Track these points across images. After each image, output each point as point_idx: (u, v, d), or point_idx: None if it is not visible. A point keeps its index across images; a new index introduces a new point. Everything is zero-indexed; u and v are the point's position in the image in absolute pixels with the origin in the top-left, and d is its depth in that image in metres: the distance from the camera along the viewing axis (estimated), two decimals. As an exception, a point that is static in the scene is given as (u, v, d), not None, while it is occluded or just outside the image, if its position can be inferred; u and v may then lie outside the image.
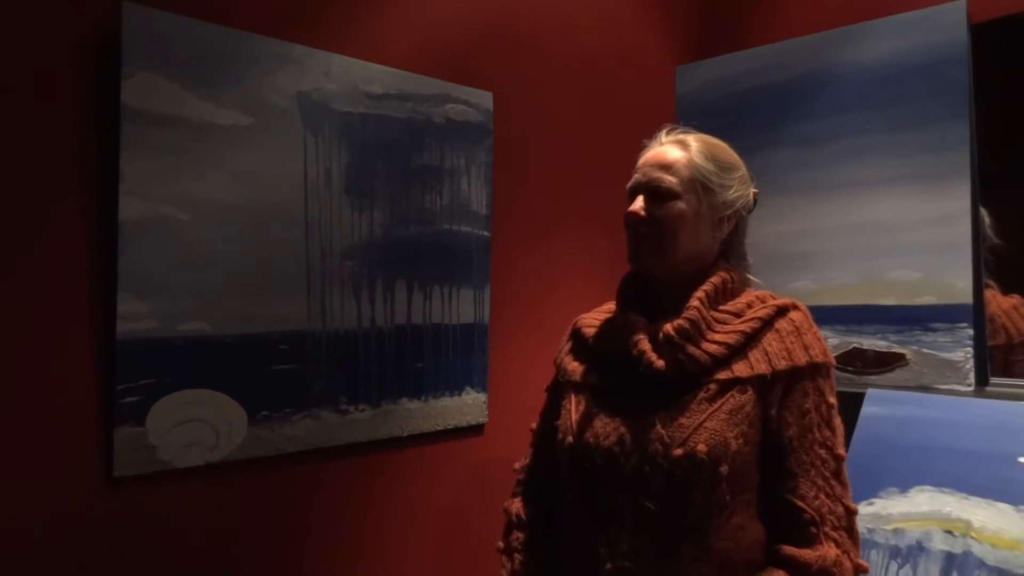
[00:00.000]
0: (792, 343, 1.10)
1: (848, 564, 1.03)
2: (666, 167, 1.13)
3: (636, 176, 1.16)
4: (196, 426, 1.42)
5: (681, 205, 1.12)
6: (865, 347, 1.79)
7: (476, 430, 1.94)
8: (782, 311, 1.13)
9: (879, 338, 1.78)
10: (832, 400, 1.11)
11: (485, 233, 1.91)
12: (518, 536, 1.26)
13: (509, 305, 2.01)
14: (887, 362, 1.76)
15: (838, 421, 1.11)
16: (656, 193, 1.13)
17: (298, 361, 1.57)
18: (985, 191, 1.70)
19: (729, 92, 2.10)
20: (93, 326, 1.33)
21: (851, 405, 1.63)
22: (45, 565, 1.28)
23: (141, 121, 1.35)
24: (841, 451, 1.08)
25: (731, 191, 1.16)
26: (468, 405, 1.89)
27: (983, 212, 1.73)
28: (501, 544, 1.28)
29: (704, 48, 2.54)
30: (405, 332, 1.75)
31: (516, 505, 1.29)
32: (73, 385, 1.31)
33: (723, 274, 1.15)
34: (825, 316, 1.84)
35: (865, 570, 1.06)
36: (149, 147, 1.36)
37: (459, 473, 1.90)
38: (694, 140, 1.17)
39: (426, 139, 1.79)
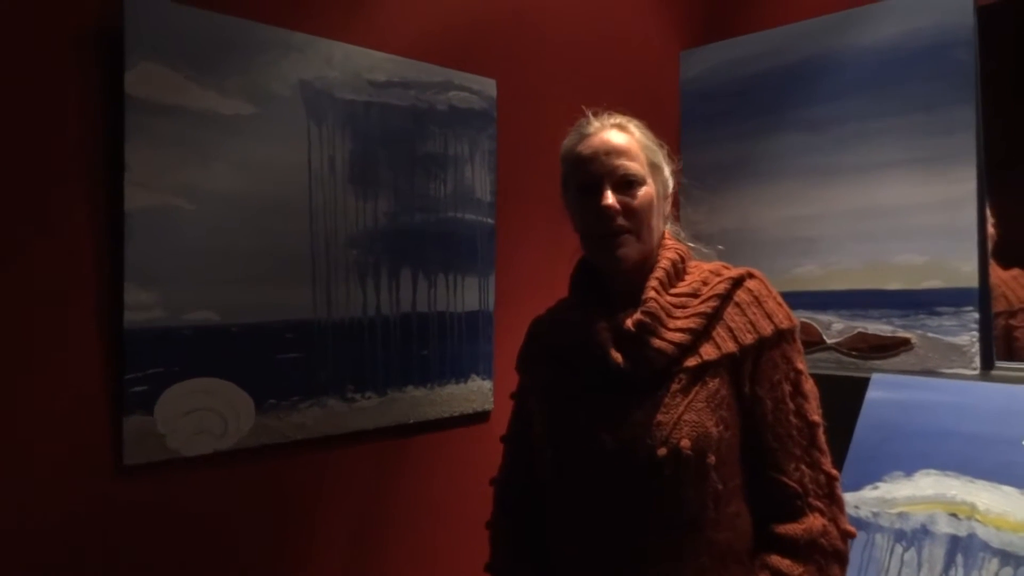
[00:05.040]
0: (754, 314, 1.07)
1: (835, 531, 1.02)
2: (624, 152, 1.08)
3: (590, 168, 1.08)
4: (204, 415, 1.43)
5: (648, 190, 1.08)
6: (870, 332, 1.79)
7: (482, 417, 1.95)
8: (738, 283, 1.10)
9: (884, 322, 1.78)
10: (800, 366, 1.08)
11: (489, 221, 1.91)
12: (503, 552, 1.23)
13: (514, 292, 2.01)
14: (892, 346, 1.76)
15: (809, 385, 1.08)
16: (624, 182, 1.07)
17: (304, 350, 1.57)
18: (990, 173, 1.69)
19: (733, 77, 2.09)
20: (101, 316, 1.34)
21: (856, 390, 1.63)
22: (57, 552, 1.30)
23: (145, 111, 1.35)
24: (815, 417, 1.05)
25: (668, 166, 1.14)
26: (473, 392, 1.90)
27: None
28: (488, 562, 1.25)
29: (708, 32, 2.52)
30: (410, 320, 1.76)
31: (497, 521, 1.26)
32: (82, 375, 1.32)
33: (670, 254, 1.11)
34: (830, 301, 1.85)
35: (852, 535, 1.04)
36: (153, 137, 1.36)
37: (465, 459, 1.91)
38: (626, 121, 1.13)
39: (429, 127, 1.78)
